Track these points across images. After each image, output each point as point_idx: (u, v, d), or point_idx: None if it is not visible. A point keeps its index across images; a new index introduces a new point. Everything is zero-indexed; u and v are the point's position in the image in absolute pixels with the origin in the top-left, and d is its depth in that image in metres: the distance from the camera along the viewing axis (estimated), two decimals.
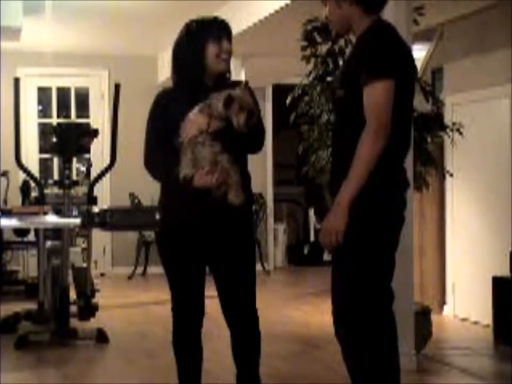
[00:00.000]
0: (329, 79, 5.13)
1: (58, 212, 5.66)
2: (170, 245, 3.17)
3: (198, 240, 3.13)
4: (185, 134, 3.00)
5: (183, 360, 3.27)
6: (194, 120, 3.00)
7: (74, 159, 6.84)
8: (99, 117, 9.65)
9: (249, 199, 3.16)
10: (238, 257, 3.16)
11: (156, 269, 9.60)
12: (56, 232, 5.88)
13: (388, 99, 2.79)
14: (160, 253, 3.25)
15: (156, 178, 3.17)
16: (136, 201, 9.24)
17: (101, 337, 5.61)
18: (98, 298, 6.11)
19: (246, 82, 3.15)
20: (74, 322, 5.78)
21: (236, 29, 6.98)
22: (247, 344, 3.23)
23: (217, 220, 3.09)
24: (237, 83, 3.17)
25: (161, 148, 3.08)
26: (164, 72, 9.59)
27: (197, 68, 3.09)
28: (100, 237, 8.93)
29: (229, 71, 3.15)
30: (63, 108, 9.83)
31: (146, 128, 3.16)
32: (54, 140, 5.80)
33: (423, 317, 5.06)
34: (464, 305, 6.59)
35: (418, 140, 5.01)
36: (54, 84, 9.82)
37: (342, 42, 5.06)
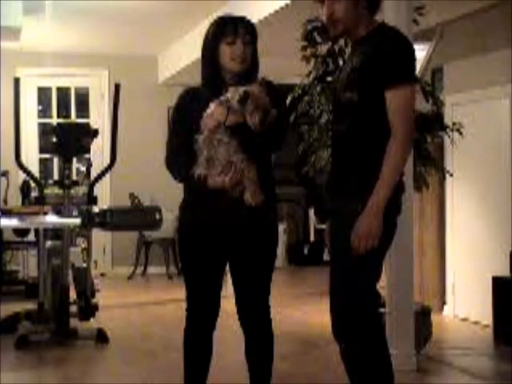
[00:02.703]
0: (329, 79, 5.13)
1: (58, 212, 5.66)
2: (190, 245, 3.16)
3: (217, 240, 3.13)
4: (204, 126, 3.00)
5: (192, 361, 3.25)
6: (212, 112, 3.00)
7: (74, 159, 6.85)
8: (99, 117, 9.65)
9: (270, 199, 3.13)
10: (255, 258, 3.14)
11: (156, 269, 9.63)
12: (56, 232, 5.88)
13: (413, 103, 2.84)
14: (181, 251, 3.25)
15: (176, 179, 3.18)
16: (136, 201, 9.23)
17: (101, 337, 5.61)
18: (98, 298, 6.11)
19: (264, 80, 3.14)
20: (74, 322, 5.78)
21: None
22: (260, 344, 3.23)
23: (235, 220, 3.08)
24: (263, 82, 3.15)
25: (182, 148, 3.08)
26: (164, 72, 9.59)
27: (214, 68, 3.12)
28: (100, 237, 8.93)
29: (247, 70, 3.10)
30: (63, 108, 9.83)
31: (169, 129, 3.19)
32: (54, 139, 5.80)
33: (423, 317, 5.06)
34: (464, 305, 6.59)
35: (418, 140, 5.01)
36: (54, 84, 9.81)
37: (342, 42, 5.05)
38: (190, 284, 3.20)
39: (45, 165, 9.93)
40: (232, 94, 2.99)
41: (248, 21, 3.17)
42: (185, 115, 3.13)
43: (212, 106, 3.02)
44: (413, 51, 2.88)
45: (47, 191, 6.36)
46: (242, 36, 3.09)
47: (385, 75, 2.78)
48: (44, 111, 9.98)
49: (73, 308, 5.84)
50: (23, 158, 6.14)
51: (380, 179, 2.76)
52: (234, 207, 3.02)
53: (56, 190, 6.13)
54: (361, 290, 2.86)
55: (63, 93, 9.90)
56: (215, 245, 3.13)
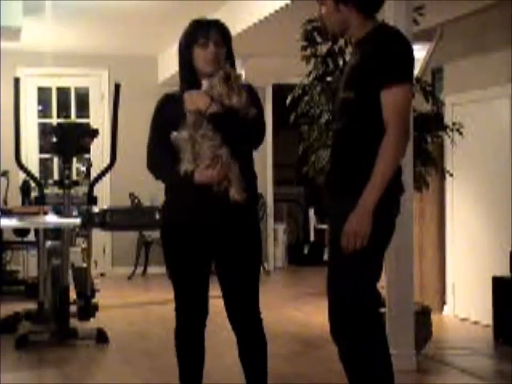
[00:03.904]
0: (329, 79, 5.13)
1: (58, 212, 5.66)
2: (174, 244, 3.17)
3: (201, 238, 3.13)
4: (189, 105, 3.02)
5: (185, 361, 3.27)
6: (195, 99, 3.02)
7: (74, 159, 6.85)
8: (99, 117, 9.65)
9: (253, 197, 3.15)
10: (241, 257, 3.15)
11: (156, 269, 9.62)
12: (56, 232, 5.88)
13: (409, 104, 2.83)
14: (165, 252, 3.25)
15: (159, 179, 3.19)
16: (136, 201, 9.24)
17: (101, 337, 5.61)
18: (98, 298, 6.11)
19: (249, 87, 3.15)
20: (74, 322, 5.78)
21: (236, 29, 7.01)
22: (251, 344, 3.23)
23: (220, 216, 3.08)
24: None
25: (164, 149, 3.08)
26: (164, 72, 9.59)
27: (191, 72, 3.14)
28: (100, 237, 8.93)
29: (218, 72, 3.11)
30: (63, 108, 9.83)
31: (149, 133, 3.19)
32: (54, 139, 5.80)
33: (423, 317, 5.06)
34: (464, 305, 6.59)
35: (418, 140, 5.01)
36: (54, 84, 9.81)
37: (342, 42, 5.06)
38: (176, 285, 3.22)
39: (45, 165, 9.93)
40: (209, 83, 3.01)
41: (221, 24, 3.19)
42: (164, 119, 3.14)
43: (195, 93, 3.03)
44: (411, 51, 2.88)
45: (47, 191, 6.37)
46: (214, 39, 3.11)
47: (382, 74, 2.78)
48: (44, 111, 9.98)
49: (73, 308, 5.84)
50: (23, 158, 6.14)
51: (372, 178, 2.76)
52: (219, 205, 3.03)
53: (56, 190, 6.13)
54: (359, 289, 2.85)
55: (63, 93, 9.90)
56: (199, 246, 3.13)
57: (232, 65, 3.16)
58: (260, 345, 3.22)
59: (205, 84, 3.05)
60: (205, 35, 3.10)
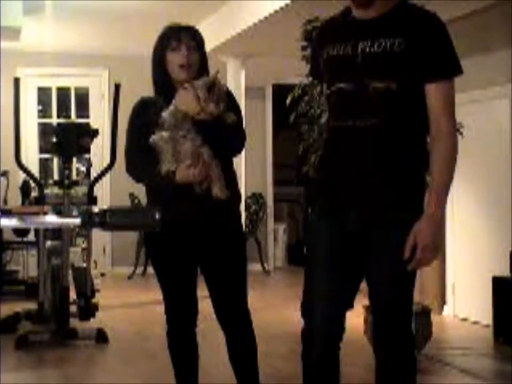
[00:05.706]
0: None
1: (58, 212, 5.65)
2: (159, 246, 3.18)
3: (186, 238, 3.13)
4: (178, 104, 3.02)
5: (179, 361, 3.30)
6: (186, 101, 3.00)
7: (74, 159, 6.85)
8: (99, 117, 9.64)
9: (235, 195, 3.16)
10: (227, 255, 3.15)
11: None
12: (56, 232, 5.87)
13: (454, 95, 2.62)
14: (149, 254, 3.27)
15: (140, 180, 3.21)
16: (136, 201, 9.24)
17: (101, 337, 5.62)
18: (98, 298, 6.11)
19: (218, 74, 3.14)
20: (74, 322, 5.78)
21: (235, 29, 7.02)
22: (241, 344, 3.24)
23: (203, 215, 3.08)
24: None
25: (141, 151, 3.08)
26: None
27: (164, 77, 3.15)
28: (100, 237, 8.93)
29: (196, 76, 3.09)
30: (63, 108, 9.83)
31: (127, 136, 3.19)
32: (54, 139, 5.80)
33: (423, 317, 5.06)
34: (464, 305, 6.59)
35: None
36: (54, 83, 9.82)
37: None
38: (163, 287, 3.23)
39: (45, 165, 9.93)
40: (191, 85, 3.01)
41: (193, 28, 3.19)
42: (142, 122, 3.14)
43: (185, 93, 3.02)
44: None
45: (47, 191, 6.36)
46: (186, 43, 3.11)
47: (438, 64, 2.53)
48: (44, 111, 9.98)
49: (73, 308, 5.84)
50: (23, 158, 6.13)
51: (437, 187, 2.49)
52: (201, 204, 3.03)
53: (56, 190, 6.12)
54: (410, 294, 2.71)
55: (63, 93, 9.90)
56: (183, 246, 3.14)
57: (205, 70, 3.17)
58: (249, 346, 3.23)
59: (187, 86, 3.04)
60: (176, 39, 3.10)
